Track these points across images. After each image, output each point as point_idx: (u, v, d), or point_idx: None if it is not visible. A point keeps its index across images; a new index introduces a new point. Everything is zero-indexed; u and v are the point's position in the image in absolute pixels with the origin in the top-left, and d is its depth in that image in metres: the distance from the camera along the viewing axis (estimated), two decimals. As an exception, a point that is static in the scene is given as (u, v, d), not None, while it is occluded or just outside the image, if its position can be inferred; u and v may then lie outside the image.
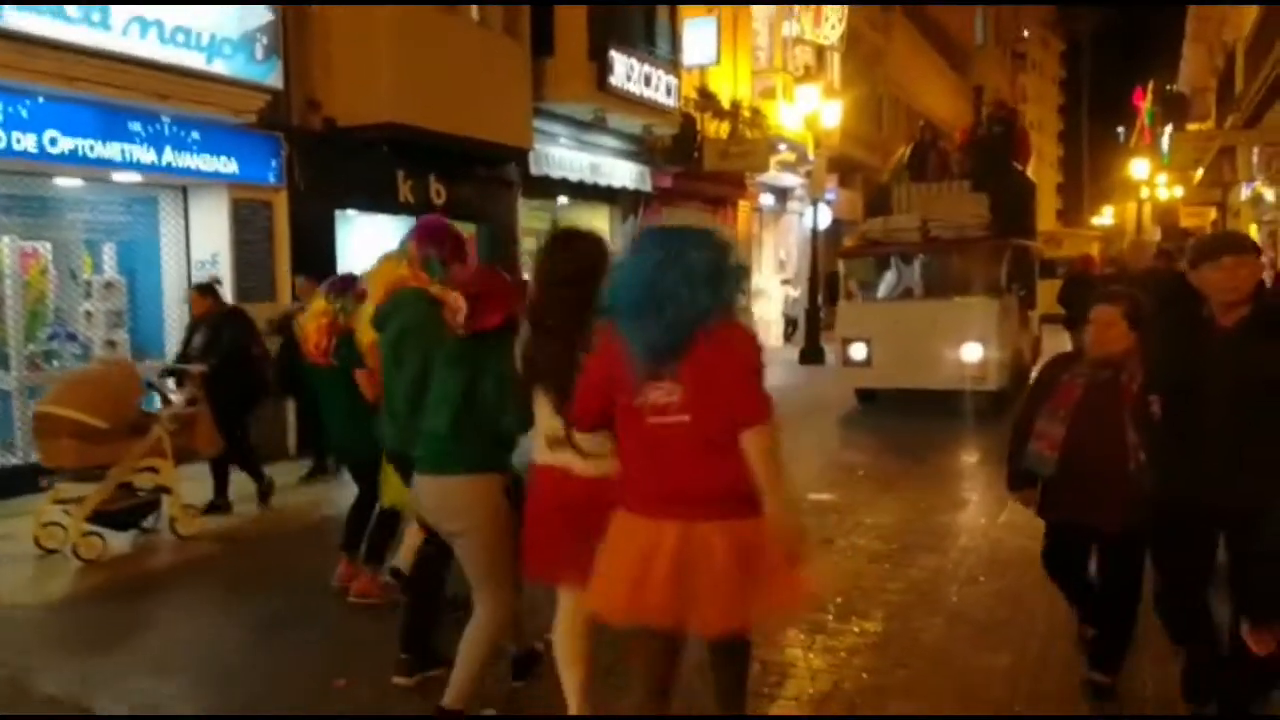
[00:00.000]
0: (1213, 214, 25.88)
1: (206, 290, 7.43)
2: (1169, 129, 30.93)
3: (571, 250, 3.06)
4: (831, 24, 20.58)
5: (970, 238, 11.51)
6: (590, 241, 3.11)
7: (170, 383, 7.38)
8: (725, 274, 2.59)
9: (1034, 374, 3.98)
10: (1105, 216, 50.40)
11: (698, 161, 16.19)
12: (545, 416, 3.04)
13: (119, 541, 6.17)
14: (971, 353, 10.69)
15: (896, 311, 11.75)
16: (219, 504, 7.06)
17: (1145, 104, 38.19)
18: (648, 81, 13.54)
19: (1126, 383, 3.47)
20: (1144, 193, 35.53)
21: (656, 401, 2.57)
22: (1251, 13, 16.90)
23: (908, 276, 12.19)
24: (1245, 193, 20.70)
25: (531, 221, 13.57)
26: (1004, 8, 44.98)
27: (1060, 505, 3.68)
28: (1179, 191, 29.93)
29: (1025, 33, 53.59)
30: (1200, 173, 22.65)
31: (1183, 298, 3.32)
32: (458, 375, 3.28)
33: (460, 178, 11.25)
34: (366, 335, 4.28)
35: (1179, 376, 3.26)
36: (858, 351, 11.55)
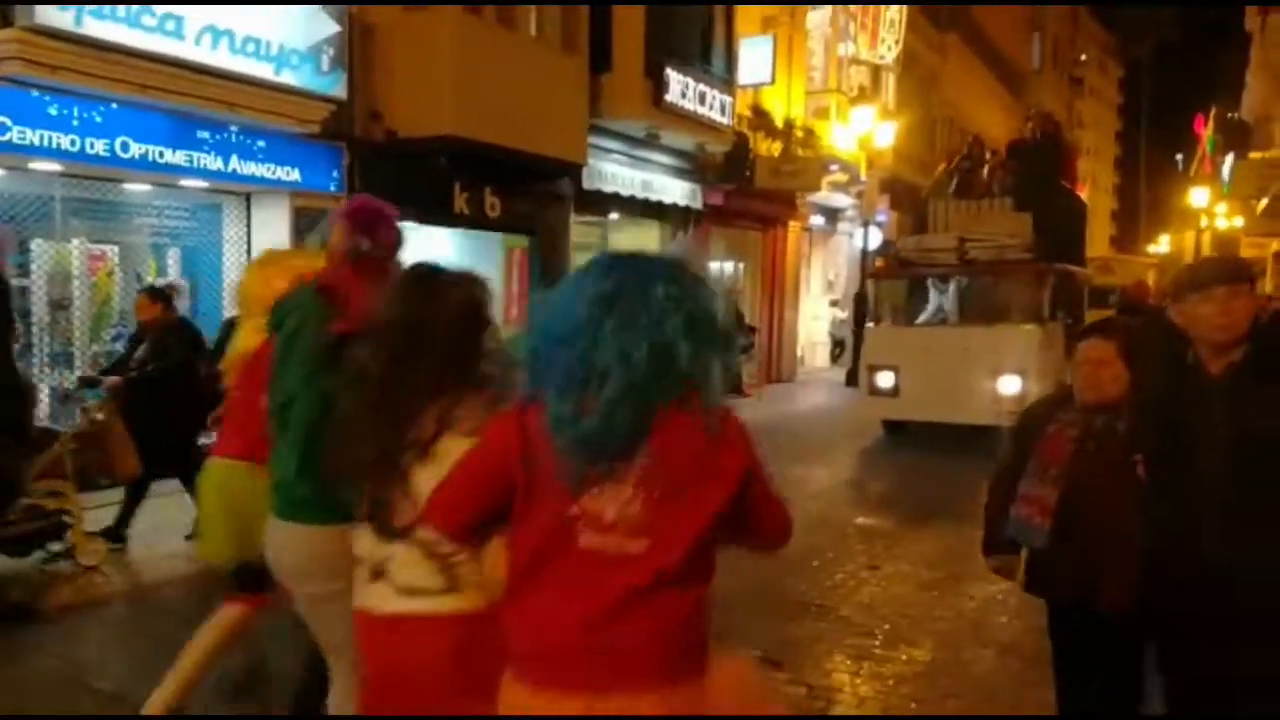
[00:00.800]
0: (1275, 245, 25.30)
1: (157, 295, 6.60)
2: (1230, 157, 30.30)
3: (424, 299, 2.21)
4: (887, 45, 20.50)
5: (1010, 260, 10.80)
6: (457, 291, 2.25)
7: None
8: (713, 327, 1.77)
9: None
10: (1162, 245, 49.49)
11: (749, 180, 16.19)
12: (361, 532, 2.20)
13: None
14: (1009, 385, 9.90)
15: (928, 338, 11.02)
16: (117, 532, 6.15)
17: (1206, 131, 37.42)
18: (702, 100, 13.59)
19: (1126, 432, 2.95)
20: (1203, 222, 34.84)
21: (601, 515, 1.71)
22: (1321, 41, 16.54)
23: (942, 300, 11.50)
24: (1310, 224, 20.22)
25: (583, 236, 13.67)
26: (1061, 32, 44.49)
27: (1055, 582, 3.08)
28: (1239, 222, 29.29)
29: (1083, 57, 52.88)
30: (1264, 202, 22.17)
31: (1167, 338, 2.72)
32: (315, 390, 2.52)
33: (515, 191, 11.38)
34: (236, 346, 3.64)
35: (1162, 436, 2.71)
36: (884, 380, 10.83)
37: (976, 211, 11.91)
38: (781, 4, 16.90)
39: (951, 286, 11.37)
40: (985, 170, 13.09)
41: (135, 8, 7.10)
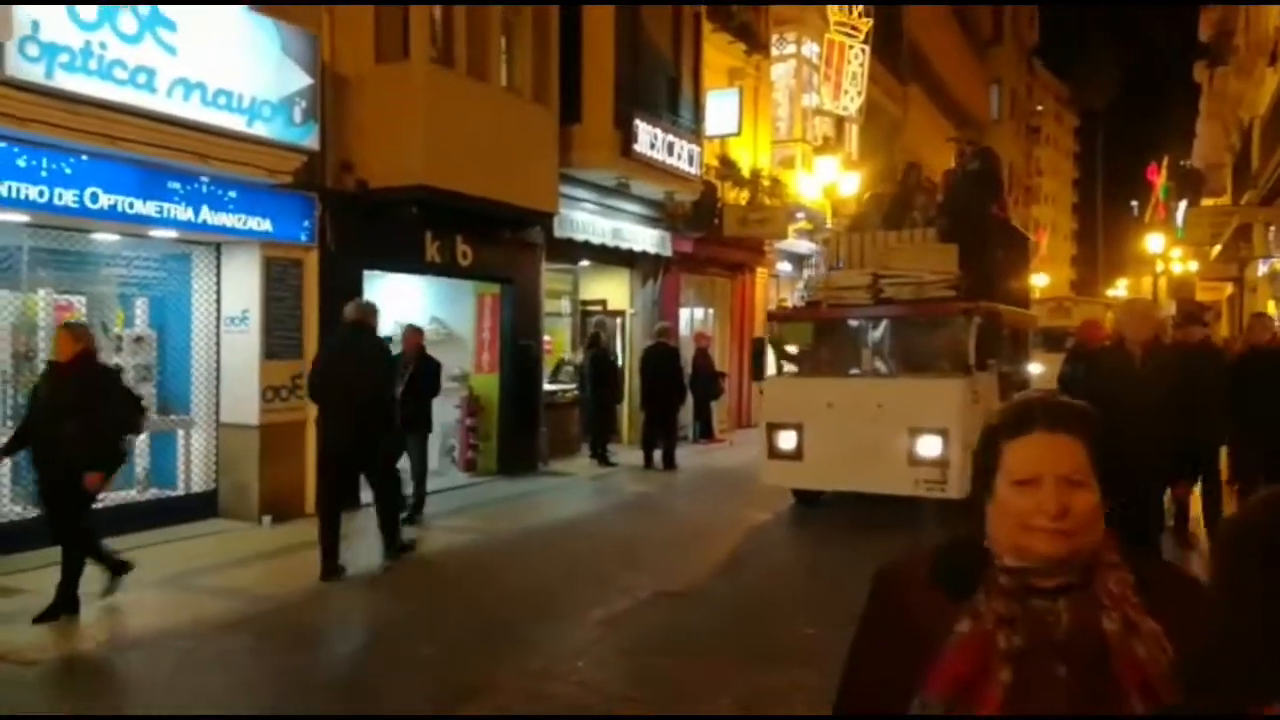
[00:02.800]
0: (1229, 289, 25.93)
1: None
2: (1184, 204, 31.12)
3: None
4: (850, 96, 20.94)
5: (932, 299, 9.22)
6: None
7: None
8: None
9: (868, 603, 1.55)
10: (1120, 289, 50.61)
11: (718, 228, 16.39)
12: None
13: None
14: (927, 448, 8.46)
15: (834, 391, 9.31)
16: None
17: (1159, 179, 38.52)
18: (671, 150, 13.77)
19: (1125, 636, 1.32)
20: (1159, 266, 35.68)
21: None
22: (1268, 92, 17.15)
23: (852, 347, 9.98)
24: (1262, 269, 20.76)
25: (554, 283, 13.74)
26: (1019, 83, 45.76)
27: None
28: (1194, 266, 30.02)
29: (1039, 107, 54.42)
30: (1217, 248, 22.75)
31: None
32: None
33: (486, 240, 11.43)
34: None
35: None
36: (786, 441, 9.31)
37: (896, 244, 10.27)
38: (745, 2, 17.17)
39: (865, 331, 9.91)
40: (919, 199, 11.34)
41: (107, 61, 7.10)
